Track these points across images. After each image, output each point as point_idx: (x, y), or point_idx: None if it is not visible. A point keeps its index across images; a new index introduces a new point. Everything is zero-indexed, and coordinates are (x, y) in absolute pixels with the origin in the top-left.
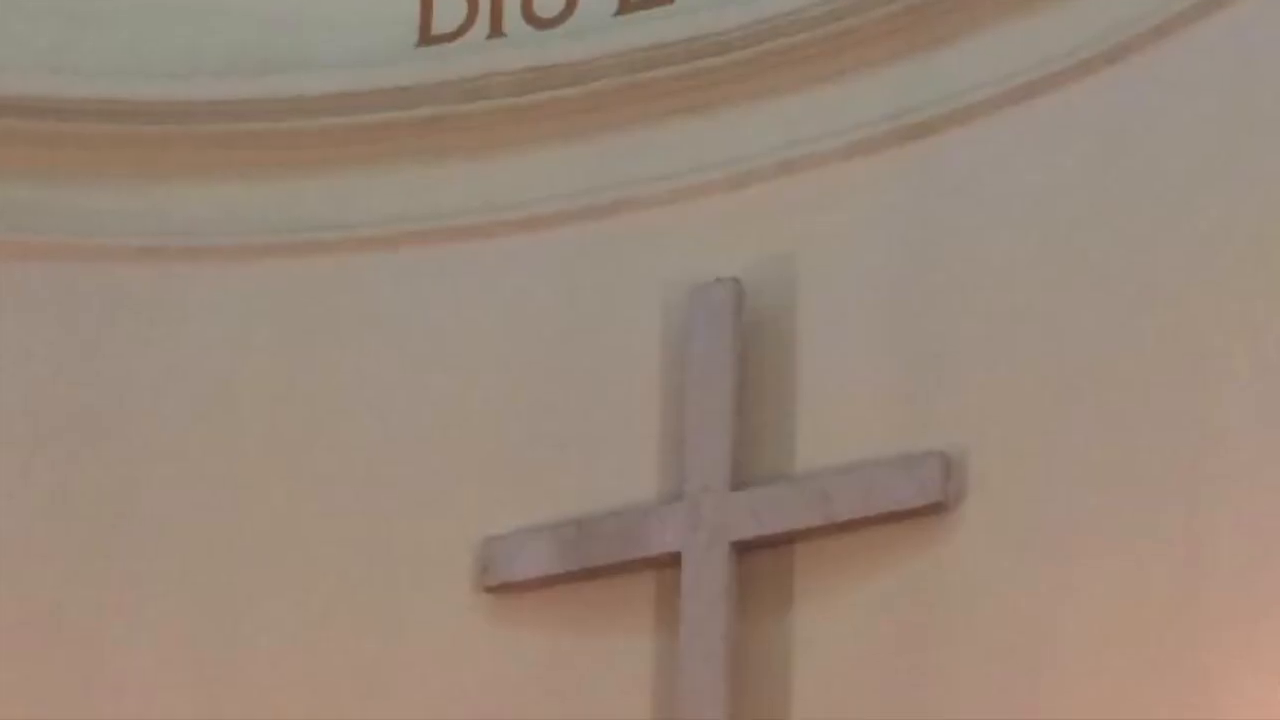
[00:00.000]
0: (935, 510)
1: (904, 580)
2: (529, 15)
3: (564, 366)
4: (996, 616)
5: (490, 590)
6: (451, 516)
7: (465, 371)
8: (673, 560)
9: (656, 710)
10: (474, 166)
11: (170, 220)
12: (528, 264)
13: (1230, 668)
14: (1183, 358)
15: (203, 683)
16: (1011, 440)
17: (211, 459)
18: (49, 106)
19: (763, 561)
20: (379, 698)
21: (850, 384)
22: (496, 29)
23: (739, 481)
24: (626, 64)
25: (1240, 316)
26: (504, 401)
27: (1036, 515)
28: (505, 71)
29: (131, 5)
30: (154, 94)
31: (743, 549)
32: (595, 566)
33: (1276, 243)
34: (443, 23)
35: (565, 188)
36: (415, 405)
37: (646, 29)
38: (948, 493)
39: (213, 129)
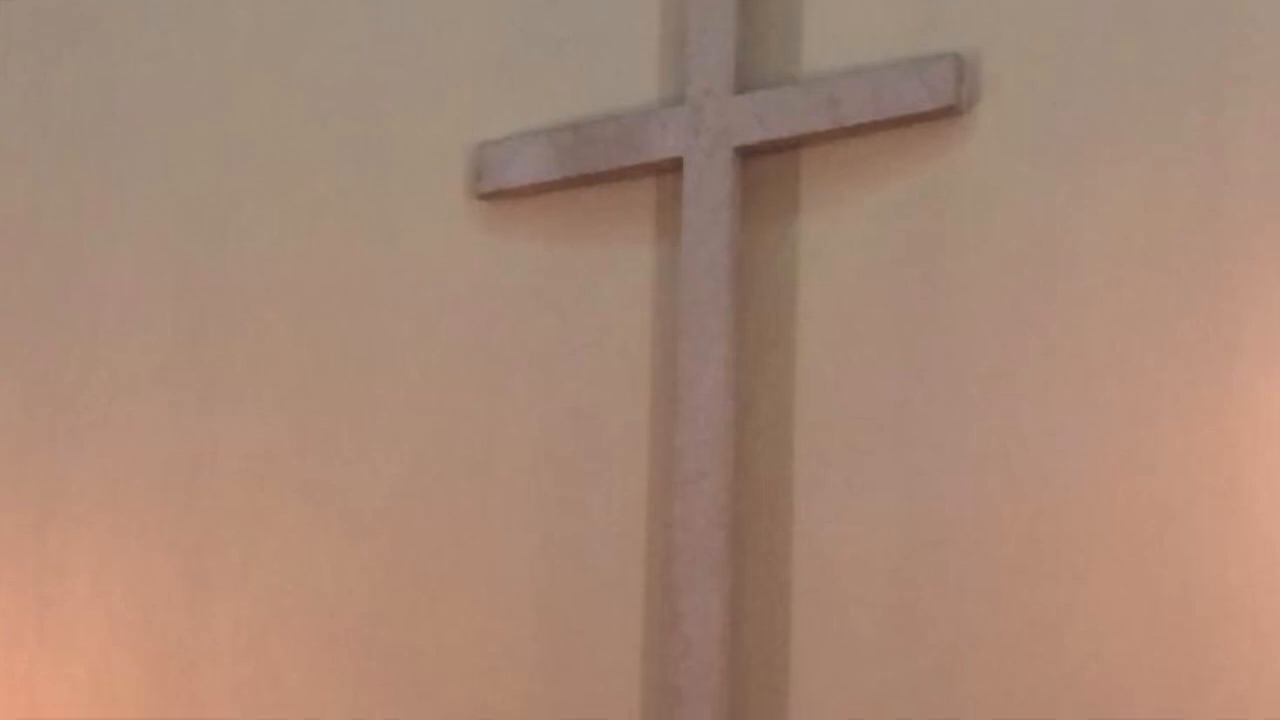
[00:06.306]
0: (947, 114)
1: (914, 186)
2: None
3: None
4: (1011, 224)
5: (484, 197)
6: (444, 120)
7: None
8: (674, 166)
9: (657, 320)
10: None
11: None
12: None
13: (1255, 276)
14: None
15: (185, 289)
16: (1026, 40)
17: (194, 55)
18: None
19: (768, 167)
20: (368, 306)
21: None
22: None
23: (743, 84)
24: None
25: None
26: None
27: (1053, 118)
28: None
29: None
30: None
31: (747, 154)
32: (593, 172)
33: None
34: None
35: None
36: (408, 1)
37: None
38: (960, 95)
39: None
